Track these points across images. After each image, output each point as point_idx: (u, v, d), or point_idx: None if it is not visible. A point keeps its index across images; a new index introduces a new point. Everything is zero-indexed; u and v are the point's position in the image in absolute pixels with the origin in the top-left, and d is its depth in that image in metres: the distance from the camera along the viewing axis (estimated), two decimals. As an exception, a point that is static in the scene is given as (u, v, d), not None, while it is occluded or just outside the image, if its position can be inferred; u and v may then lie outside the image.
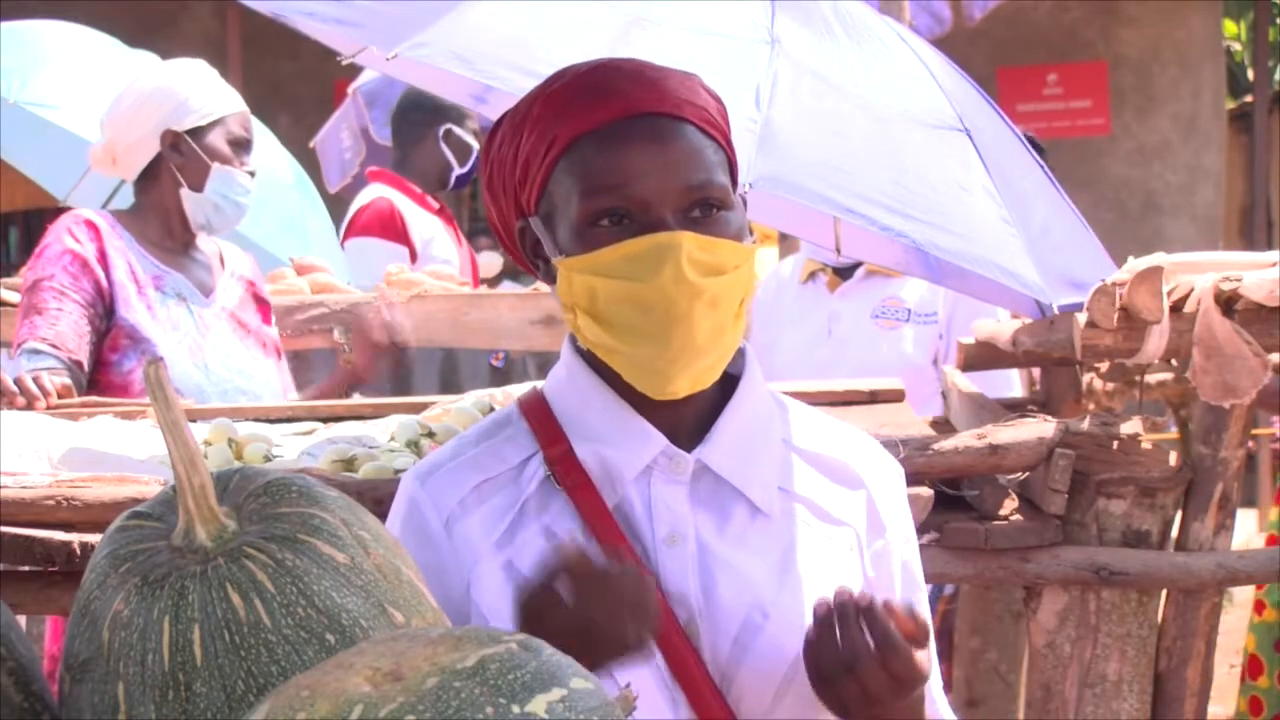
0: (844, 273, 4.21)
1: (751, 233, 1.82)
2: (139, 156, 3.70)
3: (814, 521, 1.82)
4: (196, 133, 3.66)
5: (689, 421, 1.81)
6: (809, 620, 1.72)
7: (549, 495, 1.80)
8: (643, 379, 1.76)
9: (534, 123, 1.79)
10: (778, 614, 1.77)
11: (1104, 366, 3.46)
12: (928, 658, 1.69)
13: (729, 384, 1.84)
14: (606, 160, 1.73)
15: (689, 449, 1.80)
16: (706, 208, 1.74)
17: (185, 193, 3.65)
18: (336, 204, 6.17)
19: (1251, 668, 3.65)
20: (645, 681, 1.70)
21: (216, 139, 3.68)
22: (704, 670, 1.75)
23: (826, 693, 1.69)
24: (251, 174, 3.72)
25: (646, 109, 1.75)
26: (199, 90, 3.70)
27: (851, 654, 1.65)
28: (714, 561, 1.77)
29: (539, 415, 1.85)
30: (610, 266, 1.72)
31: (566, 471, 1.79)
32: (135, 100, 3.71)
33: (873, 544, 1.85)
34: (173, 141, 3.66)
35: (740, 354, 1.86)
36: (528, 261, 1.85)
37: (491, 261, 7.26)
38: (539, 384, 1.92)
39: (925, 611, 1.80)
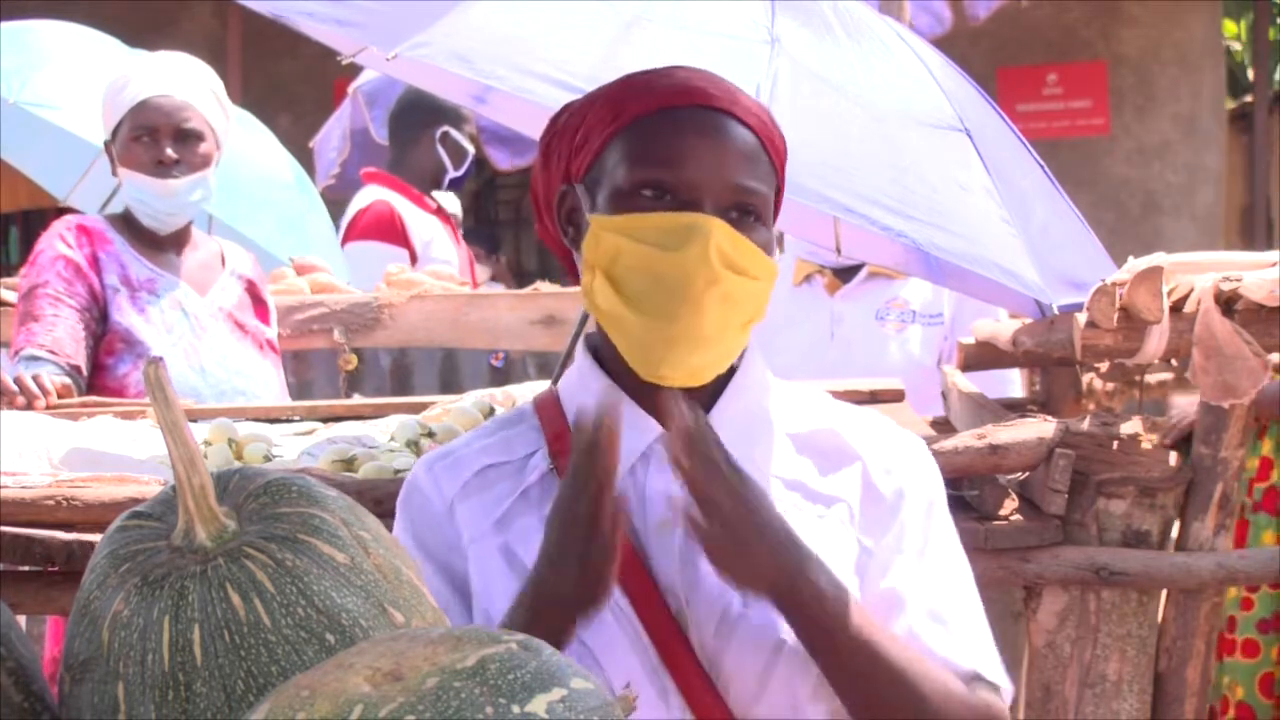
0: (844, 275, 4.19)
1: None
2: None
3: (805, 504, 1.84)
4: (115, 135, 3.63)
5: None
6: None
7: (551, 487, 1.83)
8: (639, 355, 1.79)
9: (606, 99, 1.85)
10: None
11: (1104, 366, 3.46)
12: (781, 521, 1.71)
13: (726, 376, 1.86)
14: (665, 136, 1.79)
15: None
16: (745, 213, 1.79)
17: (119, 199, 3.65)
18: (331, 204, 6.16)
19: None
20: (635, 670, 1.74)
21: (123, 140, 3.60)
22: (693, 657, 1.76)
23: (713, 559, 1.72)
24: (164, 164, 3.55)
25: (718, 105, 1.81)
26: (120, 90, 3.61)
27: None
28: (700, 549, 1.79)
29: (549, 411, 1.90)
30: (641, 231, 1.77)
31: (567, 462, 1.81)
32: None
33: (867, 512, 1.86)
34: (109, 152, 3.65)
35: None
36: (559, 228, 1.89)
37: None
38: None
39: (963, 570, 1.89)
